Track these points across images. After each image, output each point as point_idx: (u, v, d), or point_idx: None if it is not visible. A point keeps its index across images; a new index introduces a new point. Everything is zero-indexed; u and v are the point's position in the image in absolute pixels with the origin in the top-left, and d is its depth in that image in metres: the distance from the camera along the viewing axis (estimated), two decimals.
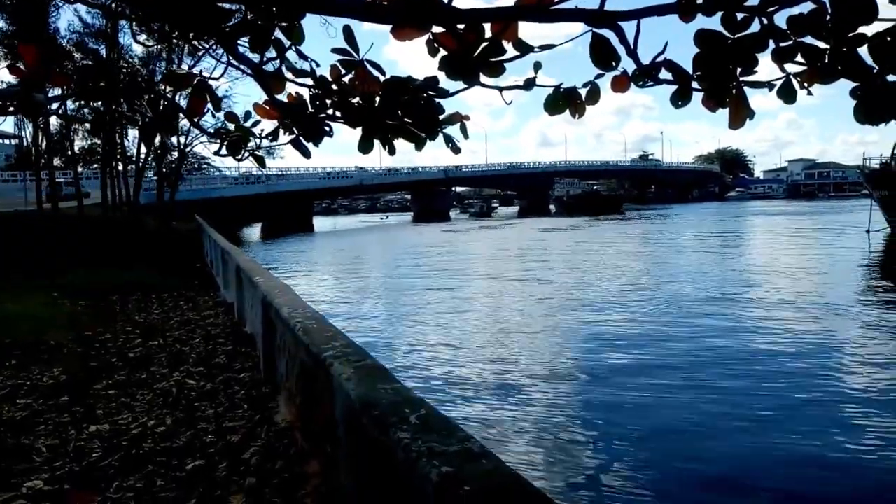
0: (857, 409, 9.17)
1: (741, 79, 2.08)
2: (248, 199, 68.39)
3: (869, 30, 1.63)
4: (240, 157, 2.84)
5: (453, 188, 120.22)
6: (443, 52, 2.22)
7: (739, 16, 1.89)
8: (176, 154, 36.49)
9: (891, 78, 1.67)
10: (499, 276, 24.69)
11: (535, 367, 11.73)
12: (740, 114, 2.17)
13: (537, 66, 2.30)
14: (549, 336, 14.26)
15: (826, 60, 1.79)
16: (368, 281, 24.80)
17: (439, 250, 38.16)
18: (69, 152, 32.41)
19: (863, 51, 1.69)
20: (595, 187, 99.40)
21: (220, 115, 2.89)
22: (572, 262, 28.97)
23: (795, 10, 1.79)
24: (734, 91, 2.11)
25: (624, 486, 7.07)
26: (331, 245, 49.73)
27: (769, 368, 11.25)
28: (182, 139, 34.13)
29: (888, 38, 1.56)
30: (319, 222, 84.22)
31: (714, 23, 1.94)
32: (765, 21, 1.86)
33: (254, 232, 67.48)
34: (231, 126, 2.80)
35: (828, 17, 1.70)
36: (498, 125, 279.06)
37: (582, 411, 9.42)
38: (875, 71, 1.66)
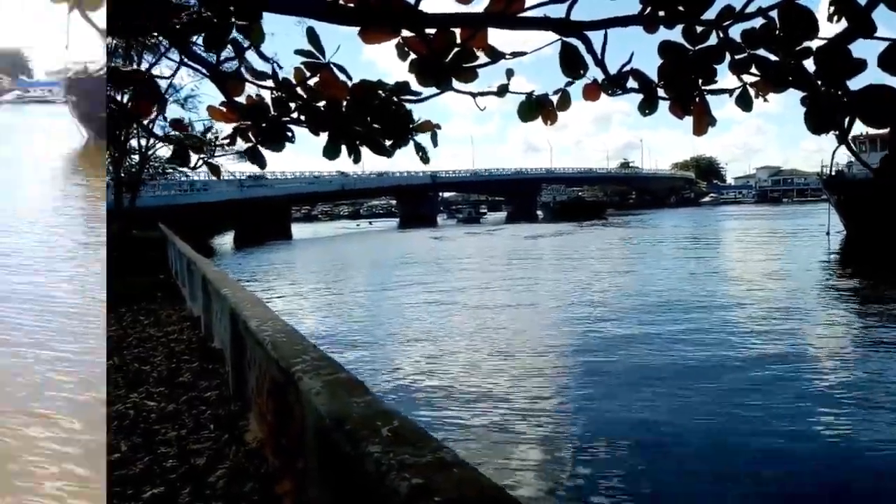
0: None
1: (703, 88, 2.14)
2: (221, 206, 63.52)
3: (814, 44, 1.73)
4: (192, 165, 2.61)
5: (440, 193, 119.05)
6: (413, 56, 2.19)
7: (698, 29, 1.95)
8: (137, 158, 34.94)
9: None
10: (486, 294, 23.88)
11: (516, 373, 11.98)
12: (703, 121, 2.26)
13: (510, 73, 2.33)
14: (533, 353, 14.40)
15: (777, 71, 1.87)
16: (354, 297, 23.88)
17: (427, 260, 37.46)
18: None
19: (810, 63, 1.78)
20: (580, 193, 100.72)
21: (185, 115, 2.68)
22: (560, 274, 28.84)
23: (749, 25, 1.88)
24: (697, 99, 2.18)
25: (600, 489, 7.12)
26: (311, 254, 48.25)
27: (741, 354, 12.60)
28: (143, 142, 32.76)
29: (827, 53, 1.66)
30: (298, 229, 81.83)
31: (676, 34, 2.02)
32: (721, 34, 1.93)
33: (226, 241, 63.73)
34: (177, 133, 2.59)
35: (777, 32, 1.77)
36: (484, 130, 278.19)
37: (562, 413, 9.58)
38: (819, 82, 1.75)
